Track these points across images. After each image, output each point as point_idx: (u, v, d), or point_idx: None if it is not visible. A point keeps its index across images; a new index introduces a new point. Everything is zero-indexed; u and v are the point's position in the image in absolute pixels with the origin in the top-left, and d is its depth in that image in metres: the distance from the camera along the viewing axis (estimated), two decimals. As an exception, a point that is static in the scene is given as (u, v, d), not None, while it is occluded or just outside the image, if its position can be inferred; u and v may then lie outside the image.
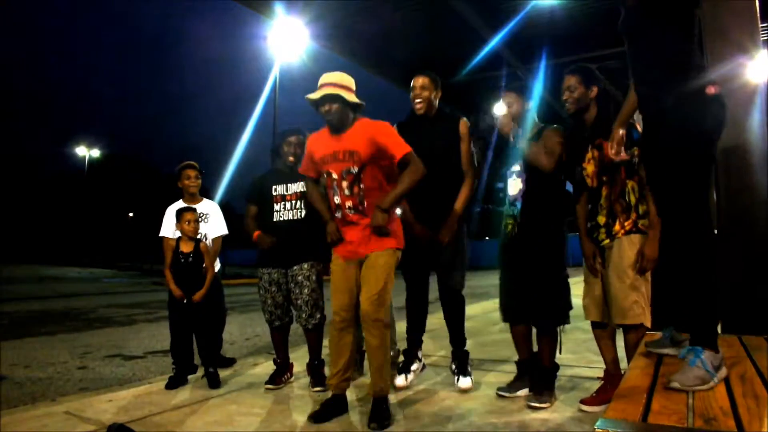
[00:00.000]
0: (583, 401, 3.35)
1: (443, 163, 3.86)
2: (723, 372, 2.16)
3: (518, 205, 3.55)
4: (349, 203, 3.33)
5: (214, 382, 4.11)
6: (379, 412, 3.20)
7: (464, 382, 3.85)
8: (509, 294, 3.61)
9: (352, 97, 3.32)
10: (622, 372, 3.31)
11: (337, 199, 3.37)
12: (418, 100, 3.96)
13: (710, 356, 2.15)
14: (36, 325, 8.72)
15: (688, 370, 2.12)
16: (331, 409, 3.35)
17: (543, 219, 3.47)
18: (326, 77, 3.36)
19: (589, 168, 3.27)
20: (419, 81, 3.99)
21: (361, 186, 3.30)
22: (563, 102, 3.34)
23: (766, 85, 3.88)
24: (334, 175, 3.34)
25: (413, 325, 4.10)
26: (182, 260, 4.31)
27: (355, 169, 3.29)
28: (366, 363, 4.33)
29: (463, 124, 3.99)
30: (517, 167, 3.61)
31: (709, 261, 2.27)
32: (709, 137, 2.26)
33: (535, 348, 3.63)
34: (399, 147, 3.27)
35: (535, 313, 3.49)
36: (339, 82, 3.33)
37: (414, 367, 4.01)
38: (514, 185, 3.60)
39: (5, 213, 39.05)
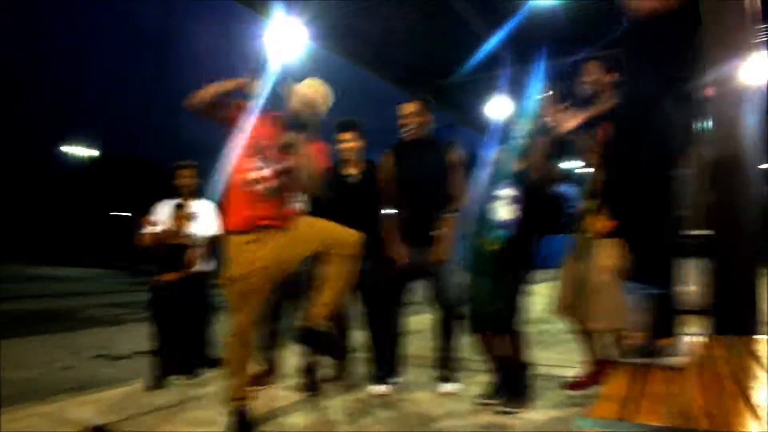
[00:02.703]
0: (568, 386, 3.37)
1: (435, 190, 3.87)
2: (665, 361, 2.24)
3: (507, 233, 3.37)
4: (274, 183, 3.11)
5: (190, 369, 4.20)
6: (320, 342, 3.18)
7: (448, 387, 3.85)
8: (483, 304, 3.48)
9: (320, 113, 3.23)
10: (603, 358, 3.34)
11: (264, 172, 3.11)
12: (406, 128, 3.92)
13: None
14: (24, 325, 8.68)
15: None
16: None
17: (527, 242, 3.41)
18: (312, 86, 3.25)
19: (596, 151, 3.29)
20: (407, 108, 3.93)
21: (288, 180, 3.14)
22: (580, 85, 3.32)
23: (759, 87, 3.90)
24: (273, 155, 3.15)
25: (391, 352, 4.01)
26: (168, 251, 4.33)
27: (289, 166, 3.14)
28: (349, 368, 4.34)
29: (455, 151, 3.98)
30: (511, 192, 3.42)
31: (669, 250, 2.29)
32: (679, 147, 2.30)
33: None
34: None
35: (488, 319, 3.43)
36: (320, 96, 3.24)
37: (400, 379, 3.97)
38: (506, 211, 3.41)
39: (-2, 212, 38.83)
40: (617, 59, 3.32)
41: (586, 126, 3.29)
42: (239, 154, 3.13)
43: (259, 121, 3.15)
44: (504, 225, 3.45)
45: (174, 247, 4.35)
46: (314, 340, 3.15)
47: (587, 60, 3.39)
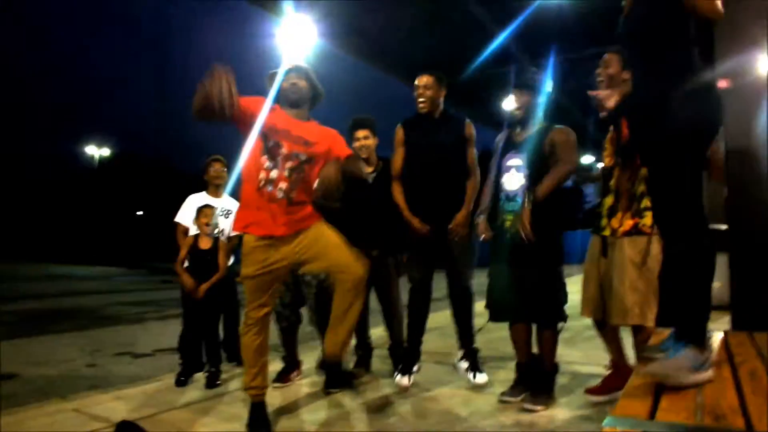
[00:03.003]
0: (589, 390, 3.34)
1: (449, 163, 3.89)
2: (707, 375, 2.02)
3: (519, 200, 3.46)
4: (283, 185, 3.05)
5: (211, 382, 4.09)
6: (339, 377, 3.23)
7: (481, 377, 3.87)
8: (506, 292, 3.51)
9: (316, 82, 3.25)
10: (628, 363, 3.31)
11: (274, 173, 3.05)
12: (421, 100, 3.92)
13: (692, 354, 2.02)
14: (46, 323, 8.78)
15: (664, 360, 2.02)
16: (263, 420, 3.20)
17: (546, 216, 3.38)
18: (294, 61, 3.29)
19: (609, 147, 3.26)
20: (422, 80, 3.94)
21: (300, 176, 3.11)
22: (596, 77, 3.28)
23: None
24: (284, 150, 3.09)
25: (417, 326, 4.00)
26: (201, 257, 4.33)
27: (303, 157, 3.12)
28: (366, 360, 4.38)
29: (469, 125, 4.01)
30: (517, 161, 3.53)
31: (699, 254, 2.20)
32: (699, 134, 2.22)
33: (535, 348, 3.61)
34: (344, 149, 3.27)
35: (535, 310, 3.44)
36: (307, 67, 3.26)
37: (415, 368, 3.95)
38: (514, 180, 3.53)
39: (16, 211, 39.32)
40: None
41: (606, 123, 3.26)
42: (249, 154, 3.12)
43: (268, 115, 3.11)
44: (514, 194, 3.50)
45: (205, 251, 4.36)
46: (333, 375, 3.28)
47: (605, 51, 3.33)
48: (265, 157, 3.07)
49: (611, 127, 3.24)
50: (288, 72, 3.20)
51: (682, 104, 2.13)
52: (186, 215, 4.64)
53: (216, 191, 4.78)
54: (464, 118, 4.06)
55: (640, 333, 3.11)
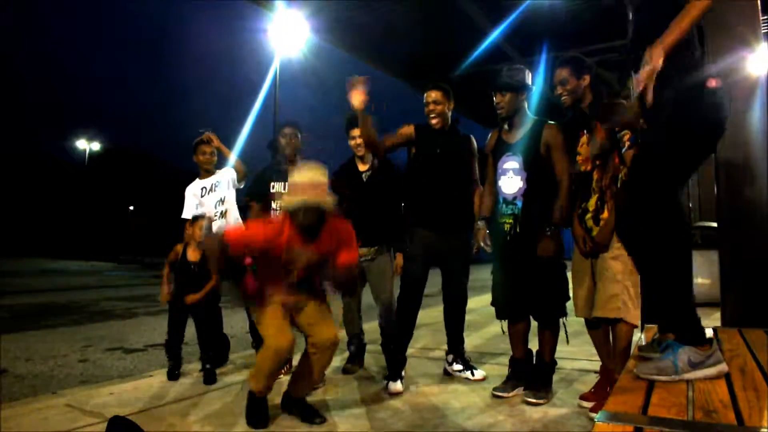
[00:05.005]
0: (582, 397, 3.35)
1: (458, 173, 4.00)
2: (707, 371, 2.05)
3: (518, 203, 3.50)
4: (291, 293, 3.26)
5: (209, 379, 4.06)
6: (312, 410, 3.26)
7: (479, 373, 4.00)
8: (508, 291, 3.55)
9: (329, 203, 3.11)
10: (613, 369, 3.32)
11: (284, 287, 3.23)
12: (433, 116, 3.95)
13: (690, 352, 2.06)
14: (37, 318, 8.73)
15: (656, 360, 2.12)
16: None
17: (545, 216, 3.41)
18: (303, 175, 3.14)
19: (583, 152, 3.26)
20: (432, 96, 3.95)
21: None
22: (558, 96, 3.31)
23: (766, 79, 3.87)
24: (294, 278, 3.22)
25: (407, 329, 3.99)
26: (189, 269, 4.26)
27: (312, 270, 3.28)
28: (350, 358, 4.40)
29: (473, 142, 4.12)
30: (514, 164, 3.54)
31: (683, 255, 2.22)
32: (705, 131, 2.24)
33: (532, 345, 3.63)
34: (352, 252, 3.26)
35: (537, 307, 3.47)
36: (318, 182, 3.12)
37: (403, 372, 3.93)
38: (512, 183, 3.54)
39: (6, 206, 39.09)
40: (581, 59, 3.33)
41: (580, 128, 3.27)
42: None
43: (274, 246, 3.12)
44: (513, 198, 3.53)
45: (193, 263, 4.29)
46: (296, 409, 3.29)
47: (559, 65, 3.34)
48: (272, 271, 3.21)
49: (584, 132, 3.24)
50: (298, 209, 3.08)
51: (688, 104, 2.15)
52: (190, 210, 4.57)
53: (208, 173, 4.69)
54: (469, 135, 4.14)
55: (616, 327, 3.14)
